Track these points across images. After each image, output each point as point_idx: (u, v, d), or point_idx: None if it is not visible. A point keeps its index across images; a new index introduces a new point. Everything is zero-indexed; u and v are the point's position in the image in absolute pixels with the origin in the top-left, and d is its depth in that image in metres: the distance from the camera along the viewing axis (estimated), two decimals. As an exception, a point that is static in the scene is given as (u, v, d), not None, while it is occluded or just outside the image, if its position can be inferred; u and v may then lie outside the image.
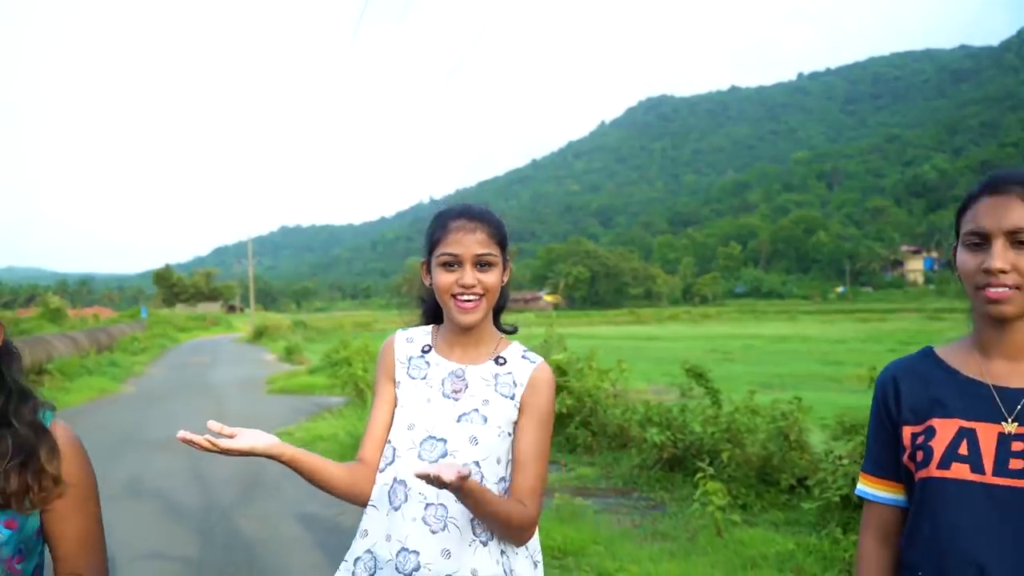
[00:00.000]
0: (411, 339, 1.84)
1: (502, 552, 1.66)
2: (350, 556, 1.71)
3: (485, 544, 1.64)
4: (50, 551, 1.58)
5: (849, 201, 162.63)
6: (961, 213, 1.48)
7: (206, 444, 1.45)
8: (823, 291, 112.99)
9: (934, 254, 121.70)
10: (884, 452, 1.57)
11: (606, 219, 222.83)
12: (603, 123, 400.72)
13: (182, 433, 1.43)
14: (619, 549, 4.78)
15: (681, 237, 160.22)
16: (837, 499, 4.64)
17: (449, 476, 1.32)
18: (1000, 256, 1.37)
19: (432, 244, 1.72)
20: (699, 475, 5.15)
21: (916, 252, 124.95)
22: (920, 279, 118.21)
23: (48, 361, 18.49)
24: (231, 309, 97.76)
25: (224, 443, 1.48)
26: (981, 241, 1.41)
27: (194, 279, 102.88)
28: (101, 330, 28.73)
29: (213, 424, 1.52)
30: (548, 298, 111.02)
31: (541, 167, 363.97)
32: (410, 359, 1.80)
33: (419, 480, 1.47)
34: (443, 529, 1.62)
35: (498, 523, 1.60)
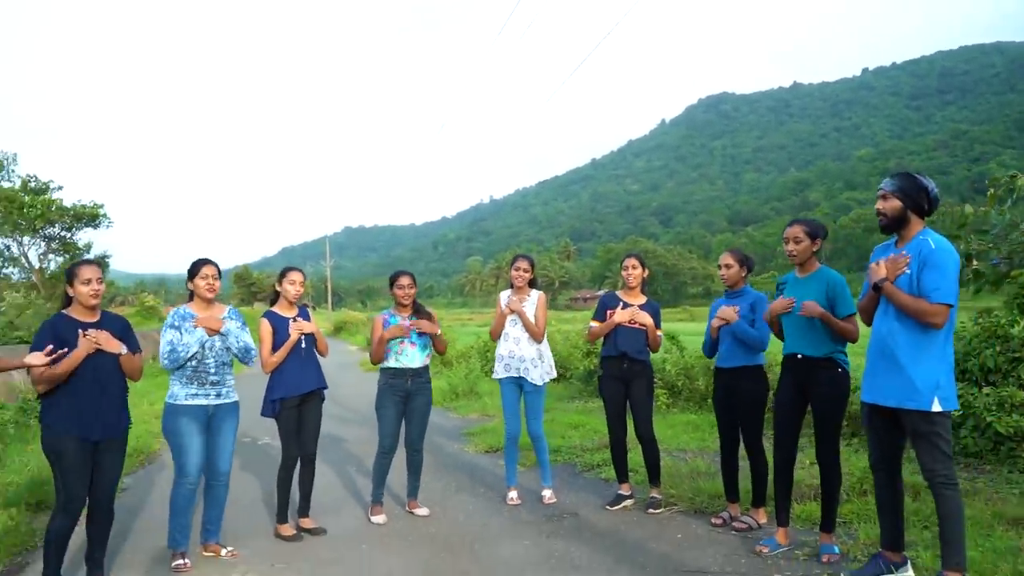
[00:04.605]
0: (508, 294, 5.98)
1: (539, 348, 5.92)
2: (496, 356, 6.00)
3: (531, 344, 5.90)
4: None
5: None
6: None
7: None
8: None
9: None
10: (601, 316, 5.78)
11: (666, 218, 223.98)
12: (663, 121, 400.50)
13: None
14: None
15: (740, 236, 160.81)
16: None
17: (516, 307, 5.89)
18: None
19: (511, 264, 5.94)
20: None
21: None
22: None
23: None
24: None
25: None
26: None
27: (271, 279, 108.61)
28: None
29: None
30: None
31: (601, 166, 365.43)
32: (508, 299, 5.90)
33: (510, 327, 5.92)
34: (518, 342, 5.90)
35: (537, 330, 5.88)
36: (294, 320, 5.43)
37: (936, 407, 3.71)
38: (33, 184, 32.01)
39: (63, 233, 32.93)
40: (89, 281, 4.31)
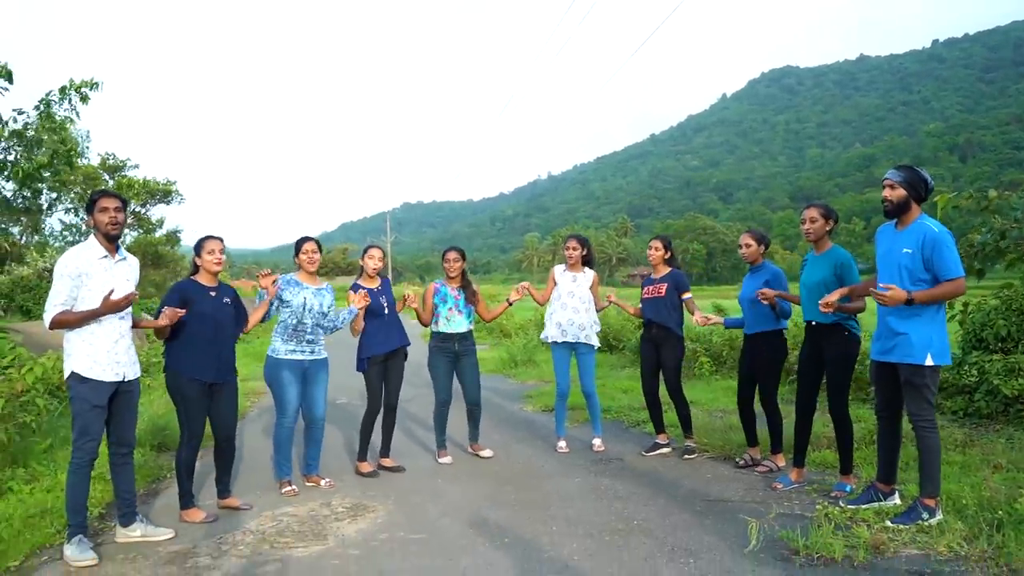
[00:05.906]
0: (561, 270, 6.86)
1: (594, 317, 6.77)
2: (548, 322, 6.83)
3: (587, 312, 6.74)
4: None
5: (983, 175, 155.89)
6: None
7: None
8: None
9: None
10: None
11: (726, 194, 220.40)
12: (724, 96, 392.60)
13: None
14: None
15: (802, 213, 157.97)
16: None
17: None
18: None
19: (564, 243, 6.77)
20: (696, 354, 9.81)
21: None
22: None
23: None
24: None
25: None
26: None
27: (332, 254, 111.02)
28: (272, 297, 34.63)
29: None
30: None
31: (660, 142, 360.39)
32: (563, 273, 6.80)
33: (567, 298, 6.72)
34: (576, 311, 6.73)
35: (601, 304, 6.83)
36: (378, 289, 6.34)
37: (929, 361, 4.41)
38: (111, 162, 33.63)
39: (138, 209, 34.55)
40: (213, 252, 5.21)
